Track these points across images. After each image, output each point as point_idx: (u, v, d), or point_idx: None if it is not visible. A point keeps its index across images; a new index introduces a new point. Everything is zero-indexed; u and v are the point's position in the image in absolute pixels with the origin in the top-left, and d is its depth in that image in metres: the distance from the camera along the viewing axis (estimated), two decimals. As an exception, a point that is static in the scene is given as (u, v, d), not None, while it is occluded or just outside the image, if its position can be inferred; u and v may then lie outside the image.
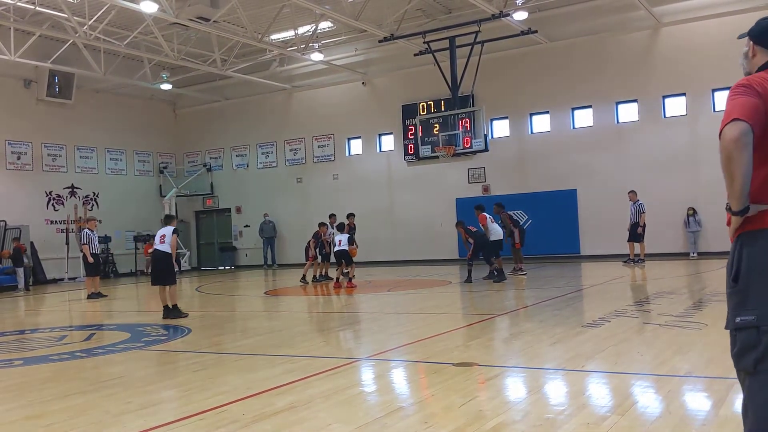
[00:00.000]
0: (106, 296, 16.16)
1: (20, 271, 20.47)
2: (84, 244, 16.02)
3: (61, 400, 5.67)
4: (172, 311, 11.18)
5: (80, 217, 24.80)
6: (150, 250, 12.13)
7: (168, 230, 11.46)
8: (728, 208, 2.93)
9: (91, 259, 15.89)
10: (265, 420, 4.67)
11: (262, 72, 25.51)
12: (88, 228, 16.30)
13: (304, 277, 17.44)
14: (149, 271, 24.50)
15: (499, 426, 4.32)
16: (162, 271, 11.24)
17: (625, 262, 18.21)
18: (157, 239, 11.59)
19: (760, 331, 2.84)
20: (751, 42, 3.15)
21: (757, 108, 2.87)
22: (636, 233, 17.91)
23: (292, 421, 4.63)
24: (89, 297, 15.80)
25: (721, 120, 2.91)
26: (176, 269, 11.58)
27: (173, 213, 12.81)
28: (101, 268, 17.18)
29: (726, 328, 2.99)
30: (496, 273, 15.20)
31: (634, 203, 18.03)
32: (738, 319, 2.90)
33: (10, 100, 23.42)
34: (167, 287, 11.21)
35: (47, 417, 5.08)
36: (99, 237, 24.95)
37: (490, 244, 15.40)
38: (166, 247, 11.26)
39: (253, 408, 5.00)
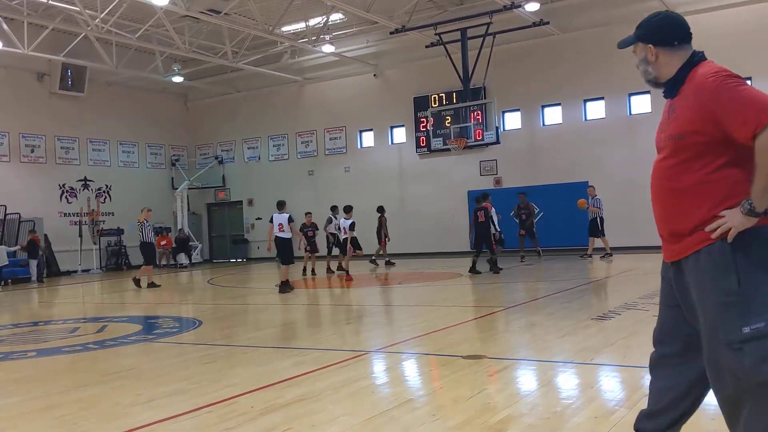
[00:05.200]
0: (148, 286, 16.31)
1: (33, 263, 20.62)
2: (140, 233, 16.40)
3: (73, 391, 5.73)
4: (284, 285, 12.99)
5: (93, 210, 25.02)
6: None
7: (284, 218, 13.33)
8: (751, 210, 2.67)
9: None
10: (274, 412, 4.69)
11: (274, 64, 25.52)
12: (144, 218, 16.47)
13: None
14: (163, 262, 24.81)
15: (508, 418, 4.32)
16: (285, 253, 13.24)
17: (587, 256, 17.97)
18: (276, 228, 13.38)
19: None
20: (649, 45, 2.98)
21: None
22: (596, 228, 17.78)
23: (301, 413, 4.65)
24: (149, 285, 15.98)
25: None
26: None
27: (283, 200, 14.68)
28: (155, 257, 17.50)
29: (727, 342, 2.69)
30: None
31: (593, 198, 17.90)
32: (746, 329, 2.66)
33: (23, 94, 23.58)
34: (285, 266, 13.14)
35: (59, 408, 5.14)
36: (111, 229, 25.29)
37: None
38: (286, 234, 13.21)
39: (263, 400, 5.03)
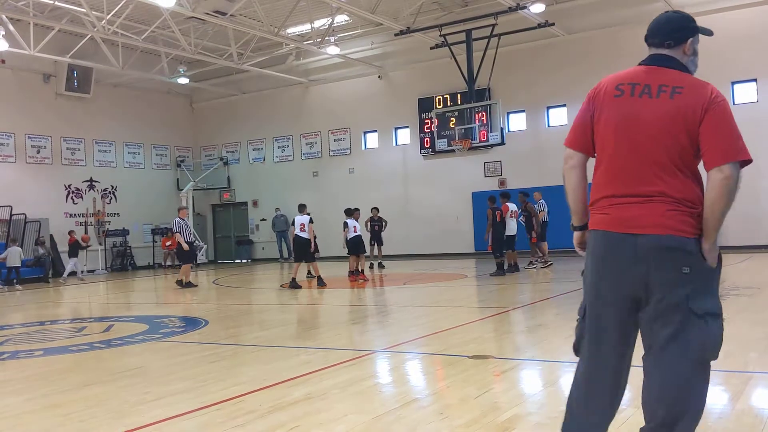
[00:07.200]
0: (195, 286, 16.20)
1: (72, 261, 20.52)
2: (176, 232, 16.24)
3: (81, 389, 5.75)
4: (318, 280, 14.49)
5: (98, 211, 25.09)
6: (294, 234, 14.55)
7: (305, 219, 14.28)
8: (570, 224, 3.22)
9: (186, 247, 16.21)
10: (281, 410, 4.71)
11: (279, 66, 25.57)
12: (179, 217, 16.47)
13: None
14: (168, 262, 24.83)
15: (514, 417, 4.33)
16: (304, 252, 14.29)
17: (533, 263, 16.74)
18: (297, 227, 14.35)
19: (580, 321, 3.12)
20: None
21: (583, 125, 2.98)
22: (545, 233, 16.76)
23: (307, 411, 4.66)
24: (184, 285, 15.78)
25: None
26: (312, 249, 14.66)
27: (304, 203, 15.48)
28: (195, 255, 17.34)
29: None
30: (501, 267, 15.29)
31: (537, 202, 16.81)
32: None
33: (29, 95, 23.66)
34: (309, 264, 14.54)
35: (67, 406, 5.16)
36: (117, 230, 25.37)
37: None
38: (305, 234, 14.17)
39: (270, 399, 5.04)
